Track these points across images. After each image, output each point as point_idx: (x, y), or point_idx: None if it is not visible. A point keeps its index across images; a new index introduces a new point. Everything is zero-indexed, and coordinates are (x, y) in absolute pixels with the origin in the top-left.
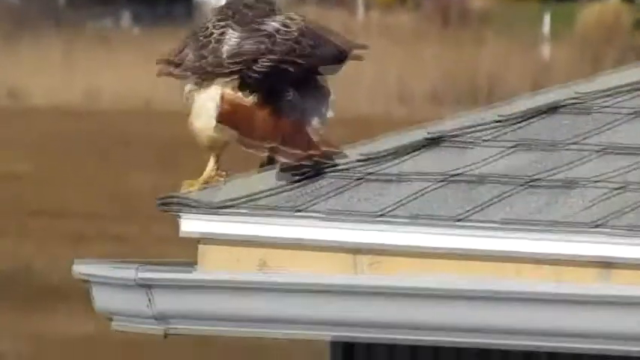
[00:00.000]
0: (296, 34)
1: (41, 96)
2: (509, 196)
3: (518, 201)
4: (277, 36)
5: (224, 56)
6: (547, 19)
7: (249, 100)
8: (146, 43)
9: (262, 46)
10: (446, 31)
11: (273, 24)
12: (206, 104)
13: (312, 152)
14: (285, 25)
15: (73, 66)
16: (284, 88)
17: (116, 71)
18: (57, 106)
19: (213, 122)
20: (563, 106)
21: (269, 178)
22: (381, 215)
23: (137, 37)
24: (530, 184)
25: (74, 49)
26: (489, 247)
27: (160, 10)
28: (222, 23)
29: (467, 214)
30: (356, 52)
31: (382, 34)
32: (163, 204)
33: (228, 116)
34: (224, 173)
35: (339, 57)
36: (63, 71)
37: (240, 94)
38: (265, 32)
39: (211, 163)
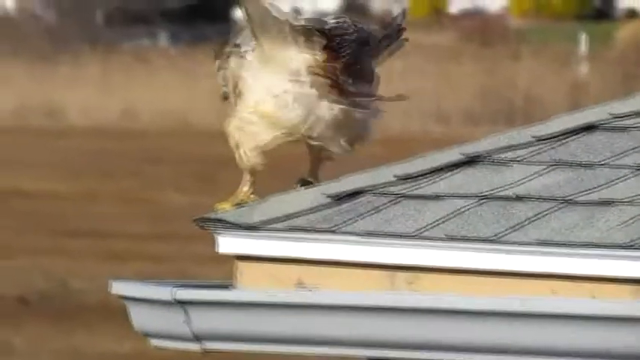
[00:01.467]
0: (352, 23)
1: (79, 115)
2: (545, 215)
3: (555, 220)
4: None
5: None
6: (583, 37)
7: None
8: (183, 62)
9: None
10: (482, 50)
11: (330, 21)
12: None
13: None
14: (339, 21)
15: (111, 85)
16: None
17: (153, 90)
18: (94, 126)
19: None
20: (600, 125)
21: (306, 198)
22: (417, 235)
23: (174, 57)
24: (567, 203)
25: (111, 69)
26: (526, 266)
27: (198, 29)
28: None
29: (503, 233)
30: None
31: (418, 53)
32: (201, 223)
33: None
34: (254, 197)
35: (385, 36)
36: (100, 90)
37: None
38: (331, 25)
39: (245, 185)
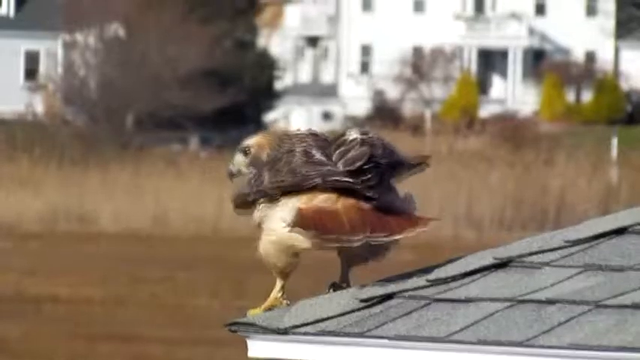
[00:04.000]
0: (377, 140)
1: (109, 220)
2: (577, 319)
3: (587, 324)
4: (367, 140)
5: (341, 168)
6: (614, 142)
7: (331, 203)
8: (213, 166)
9: (365, 149)
10: (514, 155)
11: (353, 134)
12: (280, 219)
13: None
14: (364, 133)
15: (141, 190)
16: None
17: (184, 195)
18: (125, 231)
19: (290, 235)
20: (631, 228)
21: (337, 301)
22: (449, 339)
23: (204, 161)
24: (599, 306)
25: (142, 173)
26: None
27: (228, 133)
28: (302, 144)
29: (535, 337)
30: (422, 162)
31: (450, 157)
32: (232, 327)
33: (311, 220)
34: (287, 302)
35: (410, 164)
36: (131, 195)
37: (319, 198)
38: (355, 140)
39: (277, 289)
